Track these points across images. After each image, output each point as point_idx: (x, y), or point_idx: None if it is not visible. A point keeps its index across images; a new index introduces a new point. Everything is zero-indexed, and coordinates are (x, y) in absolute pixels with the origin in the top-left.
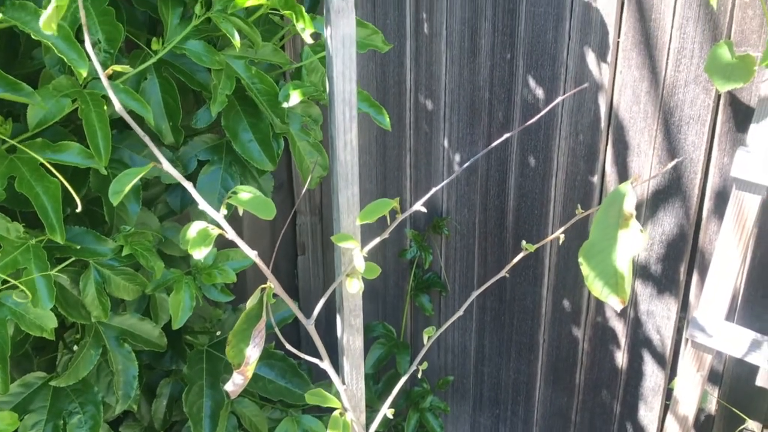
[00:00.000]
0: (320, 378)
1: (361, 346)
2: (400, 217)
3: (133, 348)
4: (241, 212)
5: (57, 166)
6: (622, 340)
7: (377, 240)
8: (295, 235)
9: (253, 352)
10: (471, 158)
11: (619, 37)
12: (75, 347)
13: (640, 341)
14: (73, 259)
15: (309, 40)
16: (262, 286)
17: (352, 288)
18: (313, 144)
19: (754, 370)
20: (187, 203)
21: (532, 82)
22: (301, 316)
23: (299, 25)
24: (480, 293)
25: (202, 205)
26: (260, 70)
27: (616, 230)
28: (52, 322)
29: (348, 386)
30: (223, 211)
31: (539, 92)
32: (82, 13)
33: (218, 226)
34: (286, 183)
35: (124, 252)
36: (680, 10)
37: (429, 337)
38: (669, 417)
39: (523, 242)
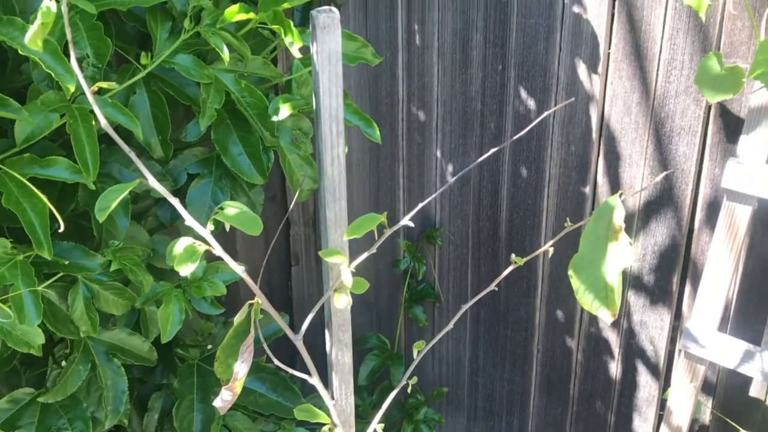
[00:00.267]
0: (313, 391)
1: (350, 361)
2: (388, 232)
3: (123, 362)
4: (227, 228)
5: (45, 181)
6: (616, 350)
7: (365, 255)
8: (289, 246)
9: (241, 368)
10: (463, 169)
11: (609, 49)
12: (64, 362)
13: (633, 352)
14: (61, 274)
15: (297, 54)
16: (250, 301)
17: (340, 303)
18: (303, 157)
19: (747, 380)
20: (177, 216)
21: (523, 93)
22: (289, 331)
23: (287, 40)
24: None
25: (189, 221)
26: (250, 84)
27: (606, 243)
28: (40, 339)
29: (337, 401)
30: (210, 227)
31: (531, 103)
32: (67, 30)
33: (205, 241)
34: (279, 194)
35: (113, 267)
36: (670, 21)
37: (419, 351)
38: (663, 427)
39: (513, 256)
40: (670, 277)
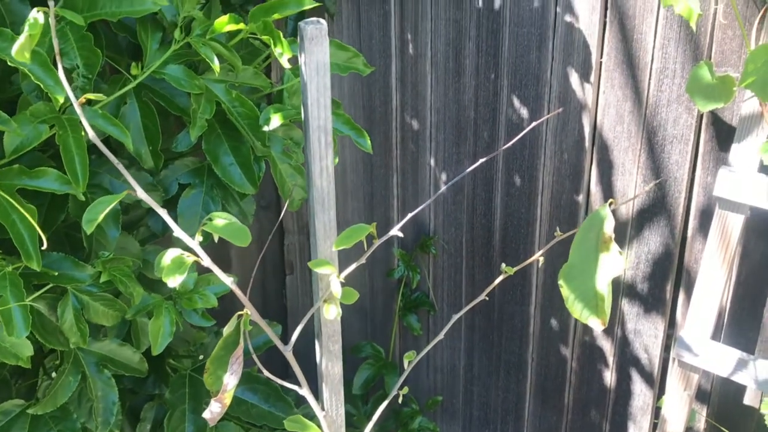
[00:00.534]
0: (306, 401)
1: (341, 371)
2: (377, 242)
3: (114, 373)
4: (216, 239)
5: (35, 192)
6: (610, 359)
7: (354, 266)
8: (283, 255)
9: (230, 380)
10: (457, 177)
11: (601, 57)
12: (54, 374)
13: (627, 360)
14: (51, 285)
15: (287, 65)
16: (239, 312)
17: (330, 314)
18: (294, 167)
19: (741, 388)
20: (169, 227)
21: (516, 102)
22: (278, 342)
23: (277, 50)
24: (468, 312)
25: (177, 232)
26: (241, 94)
27: (596, 253)
28: (28, 350)
29: (328, 412)
30: (198, 238)
31: (523, 112)
32: (55, 42)
33: (193, 253)
34: (274, 203)
35: (103, 278)
36: (661, 30)
37: (409, 362)
38: None
39: (503, 265)
40: (664, 285)
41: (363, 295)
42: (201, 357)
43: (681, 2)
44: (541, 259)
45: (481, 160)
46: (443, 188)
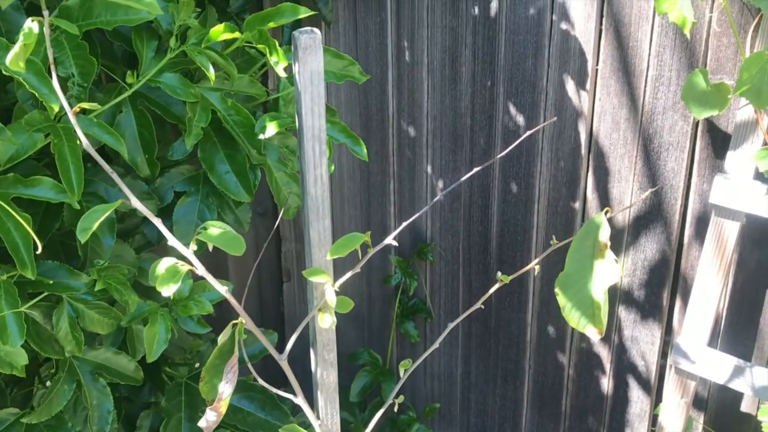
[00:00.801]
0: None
1: (336, 380)
2: (372, 251)
3: (109, 381)
4: (210, 248)
5: (30, 201)
6: (607, 366)
7: (348, 274)
8: (281, 262)
9: (226, 388)
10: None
11: (597, 65)
12: (49, 382)
13: (625, 367)
14: (46, 293)
15: (282, 74)
16: (234, 321)
17: (325, 323)
18: (290, 174)
19: (738, 395)
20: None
21: (512, 109)
22: (273, 351)
23: (273, 59)
24: (465, 319)
25: (172, 241)
26: (236, 102)
27: (592, 261)
28: (23, 359)
29: (323, 421)
30: (193, 246)
31: (520, 119)
32: (49, 51)
33: (188, 262)
34: (271, 210)
35: (98, 287)
36: (657, 38)
37: (405, 370)
38: None
39: (498, 273)
40: (661, 292)
41: (360, 302)
42: (197, 365)
43: (675, 10)
44: (537, 268)
45: (478, 168)
46: (440, 195)
